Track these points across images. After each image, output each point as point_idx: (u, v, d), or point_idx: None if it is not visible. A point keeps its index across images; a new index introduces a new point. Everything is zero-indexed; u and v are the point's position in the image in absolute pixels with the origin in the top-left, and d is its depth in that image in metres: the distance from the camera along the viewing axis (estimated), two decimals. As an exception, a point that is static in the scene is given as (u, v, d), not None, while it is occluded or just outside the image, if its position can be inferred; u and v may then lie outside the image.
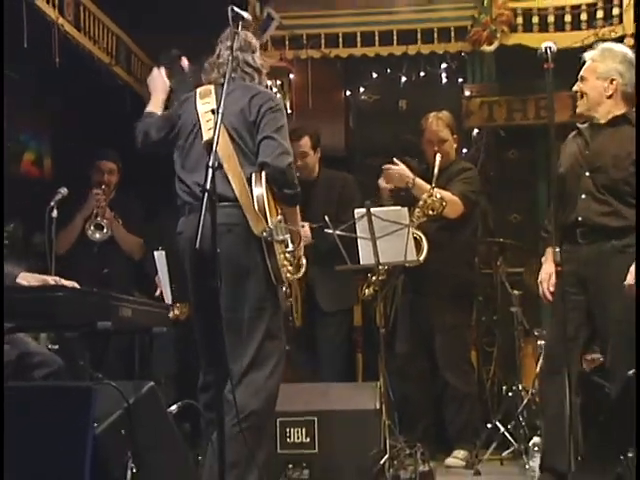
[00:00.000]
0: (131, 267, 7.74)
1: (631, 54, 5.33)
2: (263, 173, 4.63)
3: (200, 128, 4.80)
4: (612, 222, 5.05)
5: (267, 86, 5.07)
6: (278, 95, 4.95)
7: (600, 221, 5.03)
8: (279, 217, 4.77)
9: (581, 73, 5.28)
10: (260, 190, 4.63)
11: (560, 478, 4.89)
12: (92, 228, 7.55)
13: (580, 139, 5.18)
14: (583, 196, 5.10)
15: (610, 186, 5.06)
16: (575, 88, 5.28)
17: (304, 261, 5.26)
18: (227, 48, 4.74)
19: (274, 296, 4.76)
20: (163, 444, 3.58)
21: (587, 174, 5.13)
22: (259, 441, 4.64)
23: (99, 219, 7.57)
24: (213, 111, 4.44)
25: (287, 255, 4.84)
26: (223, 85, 4.33)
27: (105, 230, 7.56)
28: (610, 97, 5.16)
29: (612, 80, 5.17)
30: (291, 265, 4.95)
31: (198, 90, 4.99)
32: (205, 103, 4.84)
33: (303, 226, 5.28)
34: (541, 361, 5.43)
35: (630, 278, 4.96)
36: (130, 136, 8.09)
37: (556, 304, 5.15)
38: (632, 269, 4.95)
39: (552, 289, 5.24)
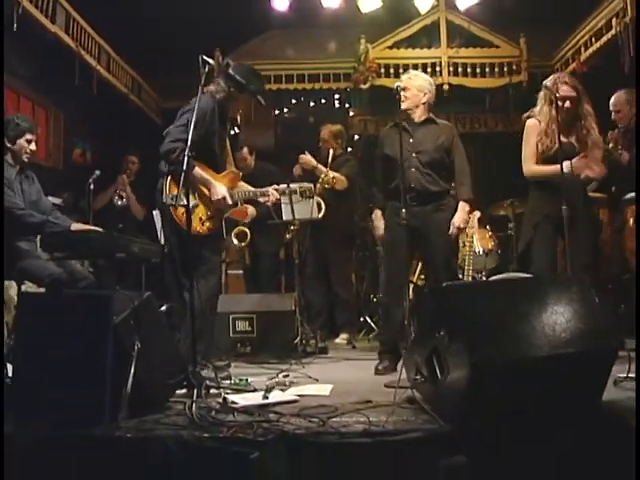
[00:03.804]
0: (137, 227, 7.75)
1: (432, 80, 5.30)
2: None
3: None
4: (432, 187, 4.95)
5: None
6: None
7: (424, 186, 4.90)
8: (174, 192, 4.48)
9: (404, 85, 5.05)
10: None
11: (396, 355, 4.95)
12: (117, 197, 7.77)
13: (403, 132, 4.89)
14: (412, 170, 4.94)
15: (430, 163, 4.96)
16: (402, 93, 4.97)
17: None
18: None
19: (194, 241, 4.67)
20: (156, 330, 3.57)
21: (414, 155, 4.99)
22: (211, 321, 4.73)
23: (121, 192, 7.80)
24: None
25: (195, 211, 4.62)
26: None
27: (124, 199, 7.82)
28: (423, 104, 5.07)
29: (425, 93, 5.08)
30: (204, 218, 4.70)
31: None
32: None
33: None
34: (384, 282, 5.30)
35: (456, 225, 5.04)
36: (139, 141, 8.10)
37: (393, 246, 5.02)
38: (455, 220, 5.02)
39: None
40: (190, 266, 4.36)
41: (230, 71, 4.77)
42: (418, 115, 5.13)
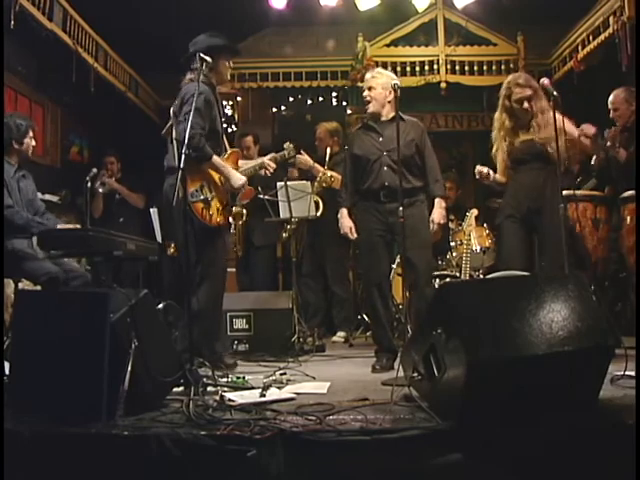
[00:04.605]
0: (139, 219, 7.73)
1: (396, 78, 5.19)
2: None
3: None
4: (405, 185, 4.82)
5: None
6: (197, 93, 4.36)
7: (397, 185, 4.74)
8: (197, 186, 4.63)
9: (369, 84, 5.10)
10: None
11: (392, 353, 4.94)
12: (98, 185, 7.73)
13: (371, 131, 5.05)
14: (385, 168, 4.95)
15: (402, 160, 4.85)
16: (366, 93, 5.09)
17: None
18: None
19: (213, 235, 4.73)
20: (153, 328, 3.56)
21: (385, 153, 4.97)
22: (211, 324, 4.72)
23: (103, 179, 7.84)
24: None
25: (212, 204, 4.72)
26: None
27: (105, 186, 7.89)
28: (389, 102, 5.03)
29: (390, 91, 5.01)
30: (221, 208, 4.79)
31: None
32: None
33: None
34: (365, 283, 5.24)
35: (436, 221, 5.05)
36: (135, 135, 8.10)
37: (368, 245, 5.06)
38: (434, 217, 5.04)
39: (355, 235, 5.14)
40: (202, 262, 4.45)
41: (191, 48, 4.74)
42: (385, 113, 5.13)
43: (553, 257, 4.61)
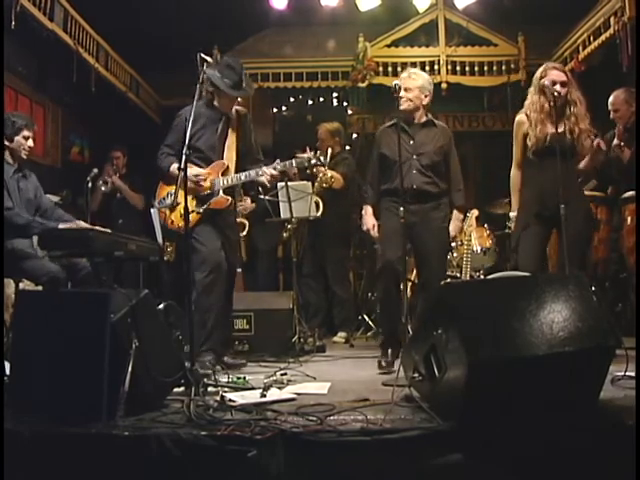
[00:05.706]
0: (139, 220, 7.70)
1: (430, 79, 5.21)
2: None
3: None
4: (432, 189, 4.94)
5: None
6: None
7: (425, 188, 4.89)
8: (165, 194, 5.00)
9: (405, 85, 5.00)
10: None
11: (398, 346, 4.87)
12: (101, 183, 7.84)
13: (403, 134, 4.90)
14: (414, 171, 4.93)
15: (431, 165, 4.93)
16: (402, 94, 4.95)
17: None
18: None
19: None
20: (154, 328, 3.56)
21: (414, 157, 4.95)
22: (209, 314, 4.78)
23: (106, 178, 7.92)
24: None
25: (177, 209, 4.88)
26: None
27: (108, 185, 7.95)
28: (424, 106, 5.03)
29: (426, 95, 5.03)
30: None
31: None
32: None
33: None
34: (379, 271, 5.19)
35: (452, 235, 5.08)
36: (136, 135, 8.09)
37: (387, 235, 5.00)
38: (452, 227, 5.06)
39: (377, 234, 5.11)
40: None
41: (205, 71, 4.75)
42: (418, 116, 5.09)
43: (572, 257, 4.54)
